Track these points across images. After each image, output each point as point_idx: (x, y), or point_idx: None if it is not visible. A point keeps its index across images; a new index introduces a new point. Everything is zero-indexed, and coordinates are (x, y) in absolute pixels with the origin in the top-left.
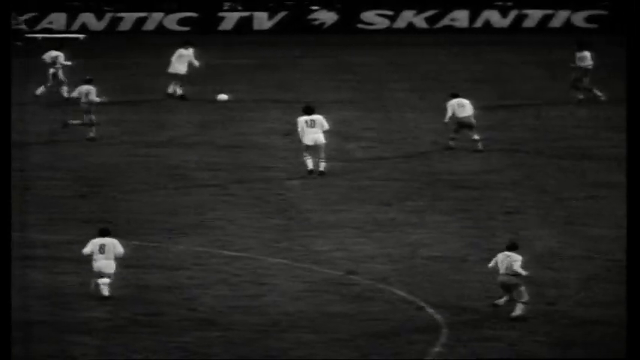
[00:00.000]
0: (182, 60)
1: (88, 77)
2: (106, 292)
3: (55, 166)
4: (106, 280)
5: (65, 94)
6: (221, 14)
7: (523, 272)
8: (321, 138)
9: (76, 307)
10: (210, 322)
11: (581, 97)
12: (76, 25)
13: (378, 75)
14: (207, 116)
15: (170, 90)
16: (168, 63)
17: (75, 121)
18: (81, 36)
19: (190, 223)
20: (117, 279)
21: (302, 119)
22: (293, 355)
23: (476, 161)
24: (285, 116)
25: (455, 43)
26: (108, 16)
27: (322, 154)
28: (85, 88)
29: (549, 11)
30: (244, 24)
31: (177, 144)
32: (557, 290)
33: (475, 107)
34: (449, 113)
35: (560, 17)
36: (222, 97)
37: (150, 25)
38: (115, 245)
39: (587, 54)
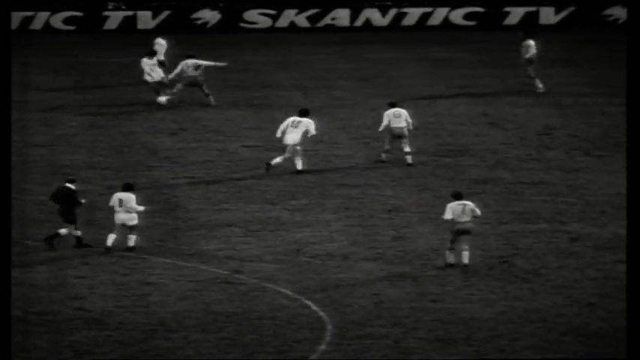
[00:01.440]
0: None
1: (189, 53)
2: (132, 242)
3: None
4: (133, 236)
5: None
6: (106, 13)
7: (480, 214)
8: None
9: None
10: (99, 322)
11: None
12: None
13: (261, 74)
14: (95, 115)
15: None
16: (54, 61)
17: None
18: None
19: (77, 221)
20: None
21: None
22: (181, 354)
23: (358, 159)
24: (171, 115)
25: (337, 42)
26: None
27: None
28: (191, 62)
29: (428, 9)
30: (129, 23)
31: (65, 143)
32: (440, 287)
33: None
34: (384, 122)
35: (438, 15)
36: (162, 99)
37: (37, 24)
38: (130, 200)
39: (531, 43)
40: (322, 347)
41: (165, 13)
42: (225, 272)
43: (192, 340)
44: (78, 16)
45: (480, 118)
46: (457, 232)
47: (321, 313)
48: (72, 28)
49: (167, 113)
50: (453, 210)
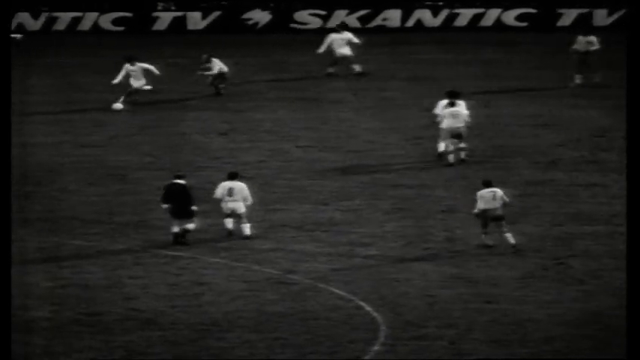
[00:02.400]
0: (136, 75)
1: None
2: (247, 231)
3: None
4: (247, 224)
5: (358, 70)
6: (155, 14)
7: (509, 200)
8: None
9: (19, 306)
10: (152, 322)
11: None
12: (12, 25)
13: (312, 74)
14: (146, 116)
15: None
16: (103, 62)
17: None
18: (18, 36)
19: (130, 222)
20: (59, 278)
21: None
22: (234, 354)
23: (410, 160)
24: (222, 115)
25: (387, 43)
26: (44, 15)
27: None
28: (216, 59)
29: (480, 10)
30: (178, 24)
31: (117, 144)
32: (495, 288)
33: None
34: (440, 119)
35: (490, 16)
36: (117, 106)
37: (85, 25)
38: (242, 189)
39: (593, 38)
40: (376, 348)
41: (216, 13)
42: (278, 272)
43: (246, 340)
44: (127, 16)
45: (533, 119)
46: (490, 219)
47: (375, 314)
48: (121, 29)
49: (218, 113)
50: (483, 197)
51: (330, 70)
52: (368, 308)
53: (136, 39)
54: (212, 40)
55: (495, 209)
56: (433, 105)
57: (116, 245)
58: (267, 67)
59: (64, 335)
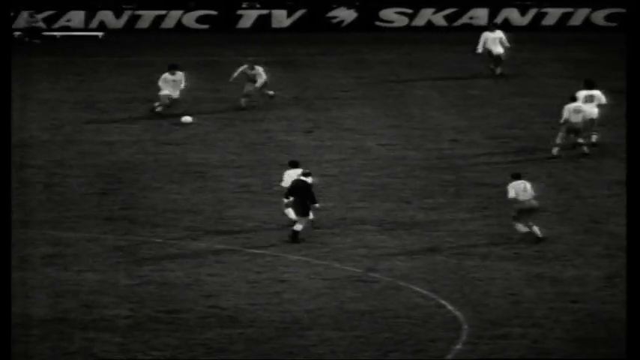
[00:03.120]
0: (174, 84)
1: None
2: (311, 217)
3: (76, 163)
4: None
5: (499, 71)
6: (240, 12)
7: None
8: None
9: (97, 304)
10: (232, 319)
11: None
12: (94, 23)
13: (397, 73)
14: (227, 114)
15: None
16: (187, 61)
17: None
18: (99, 34)
19: (210, 220)
20: (138, 275)
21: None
22: (314, 352)
23: (495, 159)
24: (305, 114)
25: (474, 41)
26: (126, 14)
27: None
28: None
29: (569, 9)
30: (263, 22)
31: (197, 142)
32: (580, 288)
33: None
34: (565, 116)
35: (579, 15)
36: (187, 119)
37: (168, 23)
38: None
39: None
40: (458, 347)
41: (301, 11)
42: (359, 270)
43: (327, 338)
44: (212, 14)
45: (622, 119)
46: (525, 211)
47: (457, 313)
48: (205, 27)
49: (302, 112)
50: (515, 188)
51: (496, 70)
52: (450, 307)
53: (220, 37)
54: (296, 39)
55: (529, 200)
56: (518, 104)
57: (196, 243)
58: (352, 66)
59: (142, 333)
